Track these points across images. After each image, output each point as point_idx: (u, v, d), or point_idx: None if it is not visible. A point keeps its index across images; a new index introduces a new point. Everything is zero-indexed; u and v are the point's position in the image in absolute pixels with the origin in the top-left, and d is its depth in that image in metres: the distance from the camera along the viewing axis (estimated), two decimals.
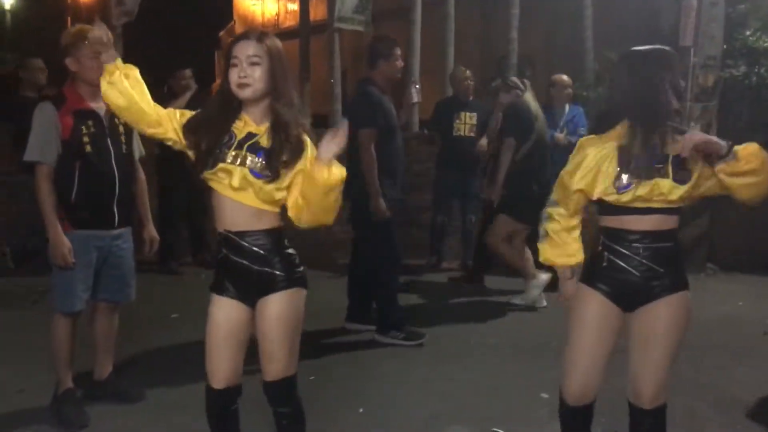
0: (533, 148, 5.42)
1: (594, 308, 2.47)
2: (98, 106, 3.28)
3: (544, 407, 3.62)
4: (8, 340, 4.48)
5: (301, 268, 2.47)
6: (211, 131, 2.36)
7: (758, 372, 4.14)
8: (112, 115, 3.25)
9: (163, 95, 7.10)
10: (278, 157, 2.32)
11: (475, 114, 6.46)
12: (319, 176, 2.25)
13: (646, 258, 2.39)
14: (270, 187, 2.33)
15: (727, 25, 6.73)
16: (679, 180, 2.33)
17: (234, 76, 2.34)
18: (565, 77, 6.54)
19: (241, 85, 2.33)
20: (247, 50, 2.33)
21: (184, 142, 2.43)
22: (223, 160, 2.34)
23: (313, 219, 2.35)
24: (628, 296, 2.45)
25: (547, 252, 2.60)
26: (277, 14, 23.78)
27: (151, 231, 3.63)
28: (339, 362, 4.29)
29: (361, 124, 4.39)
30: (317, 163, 2.26)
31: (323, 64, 8.20)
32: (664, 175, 2.32)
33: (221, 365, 2.42)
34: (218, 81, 23.19)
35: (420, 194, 6.80)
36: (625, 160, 2.35)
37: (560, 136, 6.19)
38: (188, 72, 6.35)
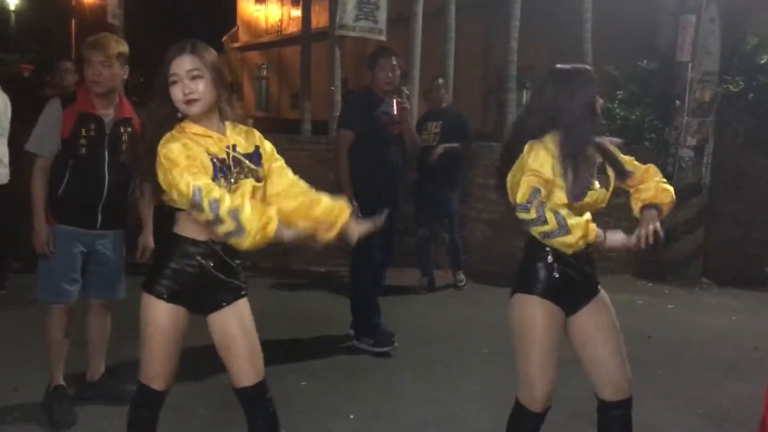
0: None
1: (546, 314, 2.53)
2: (105, 113, 3.35)
3: None
4: (5, 341, 4.49)
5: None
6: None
7: (749, 386, 4.16)
8: (118, 123, 3.36)
9: None
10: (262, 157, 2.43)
11: (440, 122, 6.16)
12: (324, 234, 2.37)
13: (586, 263, 2.54)
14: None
15: (725, 40, 6.78)
16: (605, 186, 2.52)
17: (178, 93, 2.29)
18: None
19: (189, 102, 2.29)
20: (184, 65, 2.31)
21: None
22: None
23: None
24: (572, 300, 2.55)
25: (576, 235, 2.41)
26: (281, 20, 23.88)
27: (147, 239, 3.61)
28: (330, 369, 4.31)
29: (338, 126, 4.55)
30: (336, 229, 2.37)
31: (324, 72, 8.24)
32: (602, 183, 2.50)
33: (170, 368, 2.46)
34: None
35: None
36: (574, 170, 2.43)
37: None
38: None
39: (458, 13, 7.89)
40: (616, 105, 7.39)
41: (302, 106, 8.09)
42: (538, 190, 2.37)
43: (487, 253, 7.14)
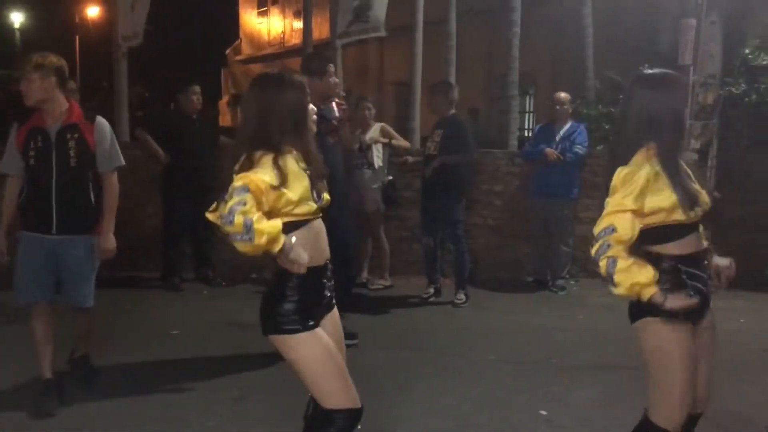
0: None
1: (684, 336, 2.45)
2: (50, 125, 3.61)
3: (543, 424, 3.64)
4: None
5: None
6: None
7: (758, 388, 4.14)
8: (62, 131, 3.60)
9: (170, 111, 7.21)
10: None
11: (441, 131, 6.08)
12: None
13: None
14: None
15: (726, 43, 6.79)
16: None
17: None
18: (562, 94, 6.62)
19: None
20: None
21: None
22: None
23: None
24: (699, 313, 2.51)
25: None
26: (283, 32, 23.96)
27: (104, 242, 3.72)
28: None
29: None
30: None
31: None
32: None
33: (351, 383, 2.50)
34: (225, 99, 23.10)
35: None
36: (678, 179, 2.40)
37: (550, 151, 6.34)
38: (197, 88, 6.43)
39: (459, 20, 7.92)
40: (618, 109, 7.39)
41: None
42: (613, 229, 2.34)
43: (493, 259, 7.14)
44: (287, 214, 2.37)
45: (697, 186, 2.45)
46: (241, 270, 6.45)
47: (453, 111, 6.16)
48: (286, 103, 2.45)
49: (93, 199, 3.69)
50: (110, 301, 5.29)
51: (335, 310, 2.61)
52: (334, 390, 2.43)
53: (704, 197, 2.47)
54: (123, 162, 3.83)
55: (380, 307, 5.93)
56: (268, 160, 2.36)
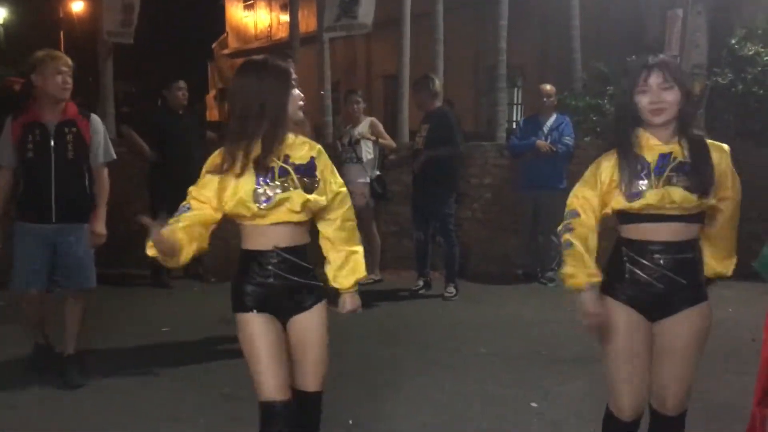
0: None
1: (624, 318, 2.44)
2: (49, 119, 3.84)
3: (534, 417, 3.65)
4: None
5: None
6: None
7: (746, 377, 4.16)
8: (61, 125, 3.84)
9: (157, 107, 7.17)
10: None
11: (428, 125, 6.10)
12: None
13: (669, 269, 2.39)
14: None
15: (712, 33, 6.81)
16: (689, 187, 2.35)
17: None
18: (547, 86, 6.64)
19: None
20: None
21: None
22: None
23: None
24: (651, 307, 2.44)
25: (569, 270, 2.43)
26: (270, 26, 23.85)
27: (97, 227, 3.99)
28: (328, 374, 4.27)
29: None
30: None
31: (315, 76, 8.24)
32: (675, 183, 2.34)
33: (284, 375, 2.43)
34: (212, 93, 22.93)
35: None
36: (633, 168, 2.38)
37: (541, 143, 6.38)
38: (182, 83, 6.39)
39: (446, 14, 7.91)
40: (606, 101, 7.40)
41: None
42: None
43: (484, 252, 7.15)
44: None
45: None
46: (231, 266, 6.42)
47: (438, 104, 6.16)
48: (266, 90, 2.36)
49: (88, 189, 3.97)
50: (100, 298, 5.26)
51: (310, 316, 2.51)
52: (256, 378, 2.42)
53: (671, 194, 2.34)
54: (114, 156, 4.13)
55: (370, 302, 5.91)
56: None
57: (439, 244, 6.38)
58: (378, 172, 6.51)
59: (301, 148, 2.47)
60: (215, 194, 2.38)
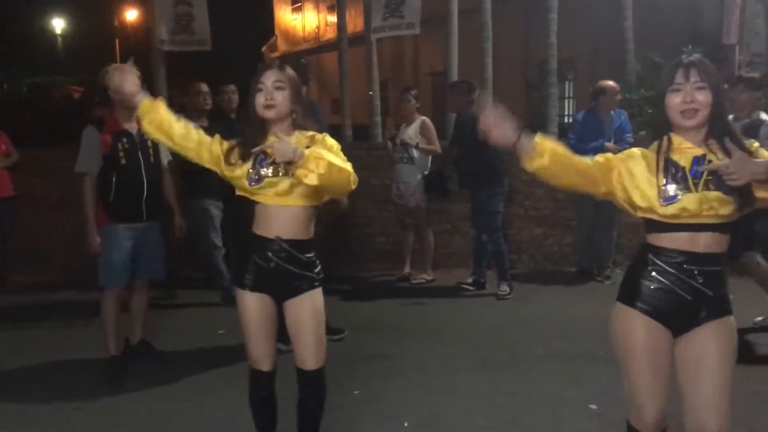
0: None
1: (644, 329, 2.34)
2: (131, 126, 4.12)
3: (594, 419, 3.58)
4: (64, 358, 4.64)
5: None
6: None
7: (739, 372, 4.00)
8: (140, 132, 4.02)
9: (211, 112, 7.26)
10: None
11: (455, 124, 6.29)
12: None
13: (698, 281, 2.28)
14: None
15: None
16: (728, 193, 2.20)
17: (261, 99, 2.68)
18: (612, 83, 6.29)
19: (268, 107, 2.66)
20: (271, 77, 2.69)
21: (222, 169, 2.73)
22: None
23: None
24: (674, 318, 2.32)
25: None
26: (317, 27, 24.02)
27: (179, 220, 4.60)
28: (384, 375, 4.29)
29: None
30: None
31: (363, 76, 8.26)
32: (713, 189, 2.21)
33: (269, 348, 2.79)
34: None
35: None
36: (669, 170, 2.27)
37: (610, 145, 5.87)
38: (232, 87, 6.45)
39: (494, 9, 7.81)
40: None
41: (342, 112, 8.11)
42: None
43: (537, 251, 7.05)
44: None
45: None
46: None
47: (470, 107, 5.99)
48: (250, 92, 2.71)
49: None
50: (155, 299, 5.42)
51: (304, 299, 2.73)
52: (245, 348, 2.79)
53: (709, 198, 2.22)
54: (171, 158, 4.44)
55: (422, 301, 5.93)
56: None
57: (485, 242, 6.31)
58: (432, 168, 6.47)
59: (301, 143, 2.64)
60: (221, 154, 2.70)
